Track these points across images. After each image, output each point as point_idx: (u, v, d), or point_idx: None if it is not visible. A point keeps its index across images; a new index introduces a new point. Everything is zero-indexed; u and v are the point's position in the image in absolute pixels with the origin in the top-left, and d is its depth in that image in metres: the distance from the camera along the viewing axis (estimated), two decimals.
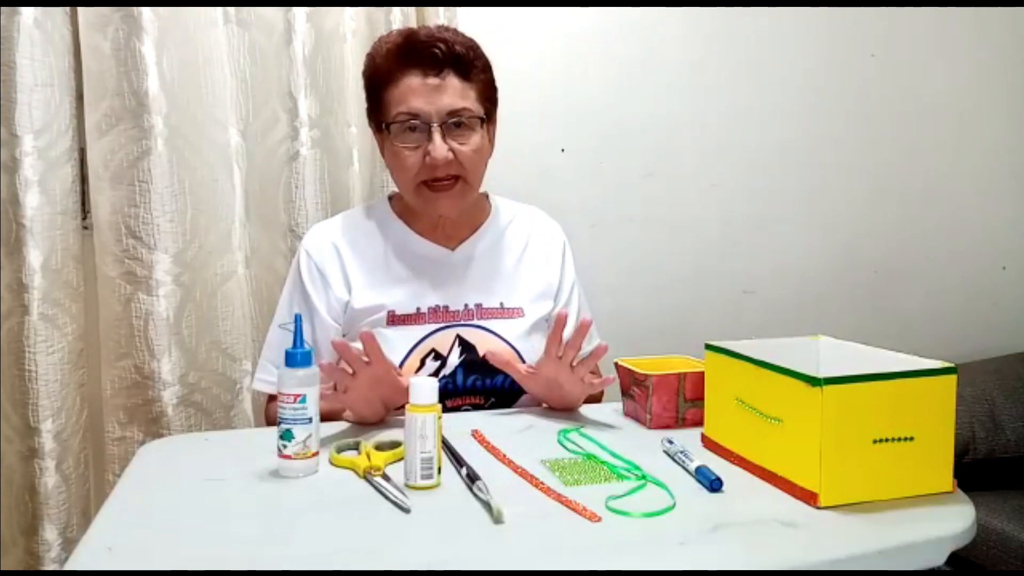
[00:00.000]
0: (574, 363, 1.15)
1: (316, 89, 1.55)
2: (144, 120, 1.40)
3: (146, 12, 1.38)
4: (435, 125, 1.22)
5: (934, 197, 2.23)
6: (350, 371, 1.07)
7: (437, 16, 1.62)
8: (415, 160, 1.23)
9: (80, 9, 1.39)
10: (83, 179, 1.44)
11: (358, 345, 1.09)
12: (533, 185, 1.56)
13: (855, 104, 2.13)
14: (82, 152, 1.43)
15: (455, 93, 1.23)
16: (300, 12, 1.52)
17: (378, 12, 1.61)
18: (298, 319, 0.99)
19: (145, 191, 1.41)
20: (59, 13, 1.37)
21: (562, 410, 1.23)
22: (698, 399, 1.12)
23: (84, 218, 1.45)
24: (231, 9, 1.50)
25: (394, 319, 1.27)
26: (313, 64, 1.54)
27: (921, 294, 2.23)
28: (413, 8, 1.63)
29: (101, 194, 1.42)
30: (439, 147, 1.21)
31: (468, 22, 1.59)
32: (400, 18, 1.61)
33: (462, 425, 1.11)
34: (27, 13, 1.32)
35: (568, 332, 1.15)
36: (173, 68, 1.42)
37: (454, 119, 1.23)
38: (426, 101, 1.22)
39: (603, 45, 1.92)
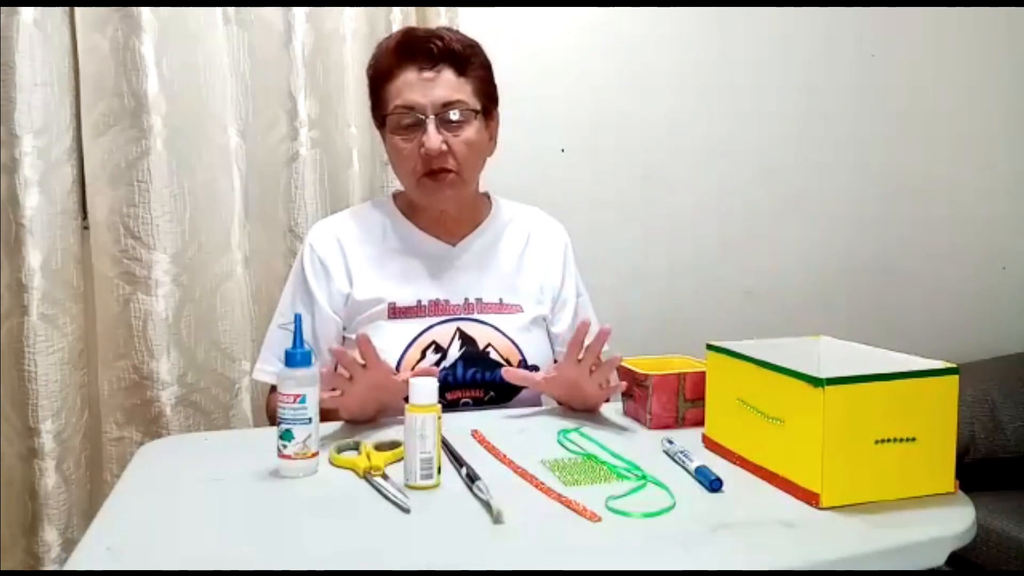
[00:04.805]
0: (593, 368, 1.15)
1: (316, 89, 1.55)
2: (143, 120, 1.40)
3: (145, 12, 1.38)
4: (429, 117, 1.24)
5: (934, 197, 2.22)
6: (347, 375, 1.07)
7: (438, 16, 1.62)
8: (411, 152, 1.25)
9: (79, 9, 1.39)
10: (83, 179, 1.44)
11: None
12: (533, 185, 1.56)
13: (855, 104, 2.12)
14: (82, 152, 1.43)
15: (449, 86, 1.25)
16: (300, 12, 1.52)
17: (378, 12, 1.61)
18: (298, 319, 0.99)
19: (144, 191, 1.41)
20: (58, 13, 1.37)
21: (584, 411, 1.23)
22: (698, 399, 1.12)
23: (84, 218, 1.45)
24: (231, 9, 1.50)
25: (395, 312, 1.28)
26: (313, 64, 1.54)
27: (921, 294, 2.23)
28: (413, 8, 1.63)
29: (99, 194, 1.42)
30: (433, 137, 1.23)
31: (468, 22, 1.60)
32: (400, 18, 1.61)
33: (462, 425, 1.11)
34: (27, 13, 1.32)
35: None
36: (173, 68, 1.42)
37: (449, 111, 1.25)
38: (420, 94, 1.24)
39: (603, 45, 1.92)
